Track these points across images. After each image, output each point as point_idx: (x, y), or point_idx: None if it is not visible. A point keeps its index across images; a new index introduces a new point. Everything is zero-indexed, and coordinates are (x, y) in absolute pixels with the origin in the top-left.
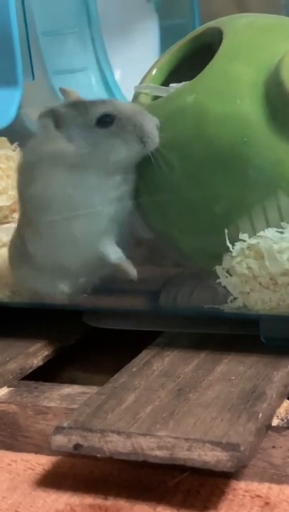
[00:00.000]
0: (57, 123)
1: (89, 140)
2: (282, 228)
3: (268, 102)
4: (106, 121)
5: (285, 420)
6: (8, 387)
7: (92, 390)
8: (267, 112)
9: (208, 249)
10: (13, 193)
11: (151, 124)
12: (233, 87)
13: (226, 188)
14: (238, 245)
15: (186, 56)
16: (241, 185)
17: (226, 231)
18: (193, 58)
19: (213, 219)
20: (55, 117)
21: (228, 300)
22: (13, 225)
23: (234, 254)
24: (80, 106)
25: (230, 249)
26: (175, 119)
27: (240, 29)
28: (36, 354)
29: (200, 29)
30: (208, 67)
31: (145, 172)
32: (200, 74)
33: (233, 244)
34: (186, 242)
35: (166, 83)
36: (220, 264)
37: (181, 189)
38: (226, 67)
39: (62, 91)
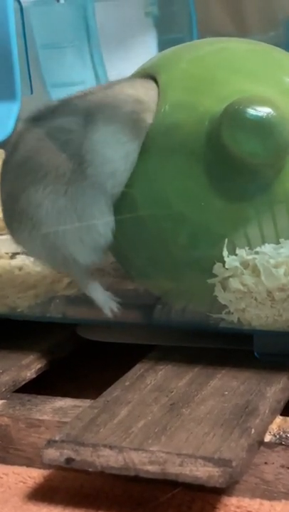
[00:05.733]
0: None
1: None
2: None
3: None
4: None
5: (278, 436)
6: (0, 399)
7: (84, 403)
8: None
9: (202, 264)
10: None
11: None
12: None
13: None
14: (233, 261)
15: None
16: None
17: (225, 246)
18: None
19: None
20: None
21: (223, 314)
22: (9, 237)
23: (229, 270)
24: None
25: (226, 264)
26: None
27: (173, 92)
28: (29, 367)
29: (137, 73)
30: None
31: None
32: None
33: (228, 258)
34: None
35: None
36: (213, 279)
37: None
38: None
39: None
